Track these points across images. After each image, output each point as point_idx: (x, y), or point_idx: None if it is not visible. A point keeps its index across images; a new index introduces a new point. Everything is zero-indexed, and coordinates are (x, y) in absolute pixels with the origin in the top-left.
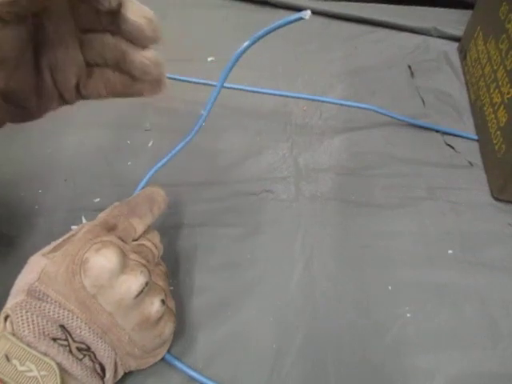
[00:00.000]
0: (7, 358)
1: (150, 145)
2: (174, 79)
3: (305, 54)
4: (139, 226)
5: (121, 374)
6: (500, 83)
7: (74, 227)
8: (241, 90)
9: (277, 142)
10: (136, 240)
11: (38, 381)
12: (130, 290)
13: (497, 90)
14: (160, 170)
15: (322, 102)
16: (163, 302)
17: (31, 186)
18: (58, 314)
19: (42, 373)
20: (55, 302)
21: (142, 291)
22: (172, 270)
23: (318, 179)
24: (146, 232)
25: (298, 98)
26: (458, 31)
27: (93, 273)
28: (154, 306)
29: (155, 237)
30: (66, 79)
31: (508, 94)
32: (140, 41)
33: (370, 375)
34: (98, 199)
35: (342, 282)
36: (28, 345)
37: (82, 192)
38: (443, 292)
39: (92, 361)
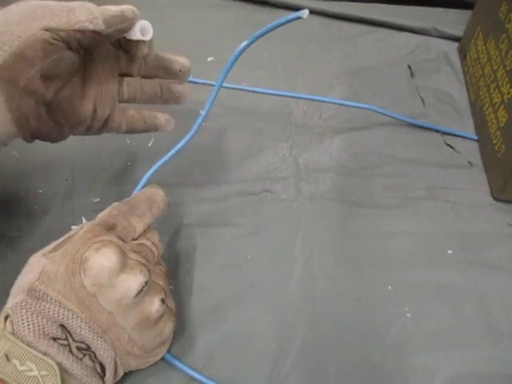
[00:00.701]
0: (7, 358)
1: (149, 145)
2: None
3: (305, 54)
4: (139, 226)
5: (121, 373)
6: (500, 83)
7: (74, 227)
8: (241, 90)
9: (277, 142)
10: (136, 239)
11: (38, 380)
12: (129, 289)
13: (497, 90)
14: (160, 169)
15: (322, 101)
16: (163, 301)
17: (31, 186)
18: (58, 313)
19: (42, 372)
20: (55, 301)
21: (141, 290)
22: (172, 269)
23: (317, 179)
24: (145, 231)
25: (298, 97)
26: (458, 31)
27: (92, 272)
28: (154, 305)
29: (155, 236)
30: (104, 110)
31: (508, 93)
32: (185, 77)
33: (370, 375)
34: (98, 199)
35: (342, 282)
36: (28, 344)
37: (82, 192)
38: (443, 292)
39: (92, 360)
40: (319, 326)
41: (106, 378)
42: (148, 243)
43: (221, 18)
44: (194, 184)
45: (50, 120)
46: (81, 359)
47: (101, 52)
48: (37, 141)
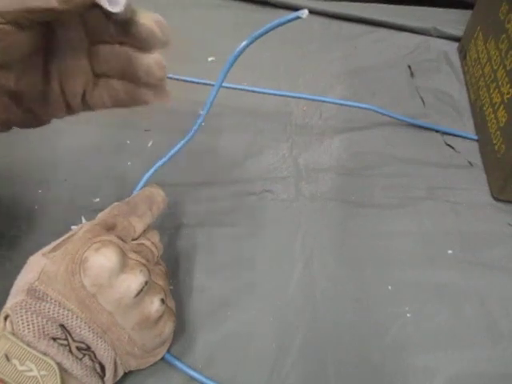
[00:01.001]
0: (7, 358)
1: (149, 145)
2: (174, 79)
3: (305, 53)
4: (139, 226)
5: (121, 373)
6: (500, 83)
7: (73, 227)
8: (241, 89)
9: (277, 142)
10: (135, 239)
11: (37, 380)
12: (129, 289)
13: (497, 90)
14: (160, 169)
15: (322, 101)
16: (163, 301)
17: (31, 186)
18: (58, 313)
19: (42, 372)
20: (55, 301)
21: (141, 290)
22: (172, 269)
23: (318, 179)
24: (145, 231)
25: (299, 97)
26: (458, 31)
27: (92, 272)
28: (154, 305)
29: (155, 236)
30: (74, 87)
31: (508, 93)
32: (150, 45)
33: (370, 375)
34: (98, 199)
35: (342, 282)
36: (28, 344)
37: (82, 192)
38: (443, 292)
39: (92, 360)
40: (319, 325)
41: (105, 378)
42: (148, 243)
43: (221, 17)
44: (193, 184)
45: (17, 108)
46: (81, 359)
47: (64, 22)
48: (37, 141)
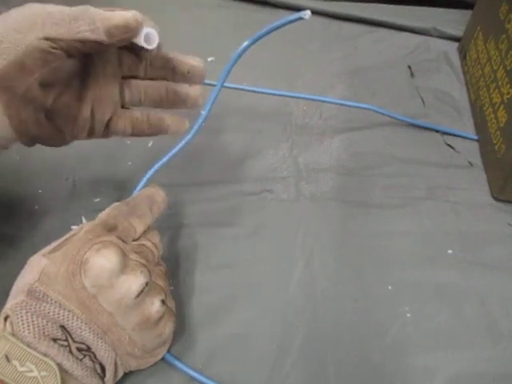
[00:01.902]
0: (7, 359)
1: (149, 145)
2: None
3: (305, 54)
4: (139, 226)
5: (121, 374)
6: (500, 83)
7: (74, 227)
8: (241, 89)
9: (277, 142)
10: (136, 240)
11: (38, 381)
12: (130, 289)
13: (496, 90)
14: (160, 169)
15: (322, 101)
16: (163, 302)
17: (31, 186)
18: (58, 314)
19: (43, 373)
20: (55, 302)
21: (142, 291)
22: (172, 269)
23: (318, 179)
24: (145, 232)
25: (298, 97)
26: (458, 31)
27: (93, 273)
28: (154, 306)
29: (155, 237)
30: (103, 114)
31: (508, 94)
32: (196, 79)
33: (370, 375)
34: (98, 199)
35: (342, 282)
36: (28, 345)
37: (82, 192)
38: (443, 292)
39: (92, 361)
40: (319, 325)
41: (106, 379)
42: (148, 244)
43: (221, 17)
44: (193, 184)
45: (49, 126)
46: (81, 360)
47: (102, 55)
48: None
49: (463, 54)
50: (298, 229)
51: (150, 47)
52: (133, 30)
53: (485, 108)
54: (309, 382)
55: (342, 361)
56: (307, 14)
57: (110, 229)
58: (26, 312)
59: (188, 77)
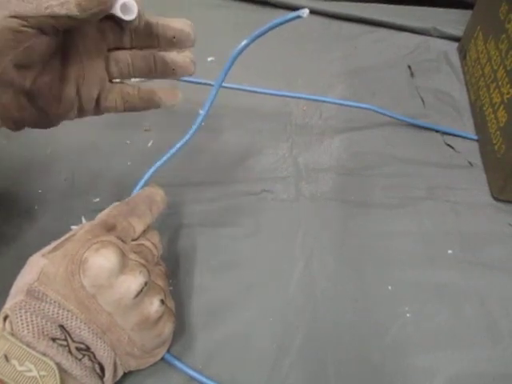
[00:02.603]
0: (6, 358)
1: (149, 145)
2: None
3: (305, 53)
4: (138, 226)
5: (120, 373)
6: (500, 83)
7: (73, 227)
8: (241, 90)
9: (277, 142)
10: (135, 240)
11: (37, 381)
12: (129, 289)
13: (497, 90)
14: (160, 169)
15: (322, 101)
16: (162, 301)
17: (31, 186)
18: (58, 314)
19: (42, 373)
20: (54, 302)
21: (141, 291)
22: (172, 269)
23: (318, 179)
24: (145, 232)
25: (298, 97)
26: (458, 31)
27: (92, 272)
28: (154, 306)
29: (155, 236)
30: (90, 92)
31: (508, 94)
32: (183, 44)
33: (370, 375)
34: (98, 199)
35: (342, 282)
36: (27, 345)
37: (82, 192)
38: (443, 292)
39: (91, 361)
40: (319, 325)
41: (105, 379)
42: (148, 244)
43: (221, 17)
44: (193, 184)
45: (32, 108)
46: (80, 359)
47: (81, 29)
48: (37, 141)
49: (463, 54)
50: (297, 229)
51: (128, 18)
52: (106, 2)
53: (485, 108)
54: (309, 381)
55: (342, 361)
56: (305, 12)
57: (110, 229)
58: (25, 312)
59: (174, 42)
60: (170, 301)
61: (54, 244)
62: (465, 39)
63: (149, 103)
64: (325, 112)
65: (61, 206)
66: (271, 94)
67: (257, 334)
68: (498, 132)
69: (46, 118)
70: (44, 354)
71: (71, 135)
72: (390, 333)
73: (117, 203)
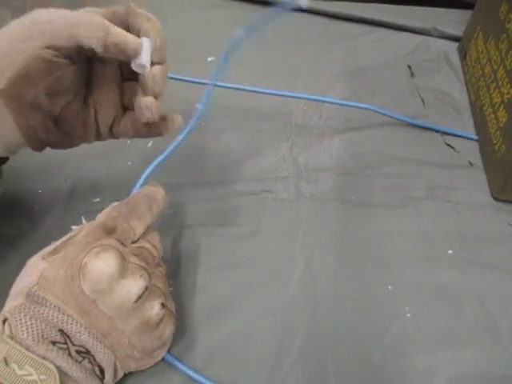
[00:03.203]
0: (6, 362)
1: (149, 145)
2: (174, 79)
3: (305, 53)
4: (138, 228)
5: (120, 375)
6: (500, 83)
7: (74, 227)
8: (241, 89)
9: (277, 142)
10: (135, 242)
11: None
12: (130, 294)
13: (497, 90)
14: (160, 169)
15: (322, 102)
16: (163, 305)
17: (31, 186)
18: (57, 318)
19: (42, 377)
20: (54, 306)
21: (142, 295)
22: (172, 270)
23: (318, 179)
24: (145, 233)
25: (298, 98)
26: (458, 31)
27: (92, 277)
28: (154, 309)
29: (155, 238)
30: (106, 117)
31: (508, 94)
32: (147, 90)
33: (370, 375)
34: (98, 199)
35: (342, 282)
36: (27, 348)
37: (82, 192)
38: (443, 292)
39: (91, 363)
40: (319, 325)
41: (105, 381)
42: (148, 245)
43: (221, 17)
44: (193, 184)
45: (58, 132)
46: (80, 362)
47: (102, 60)
48: None
49: (463, 54)
50: (298, 229)
51: (140, 72)
52: (128, 56)
53: (485, 108)
54: (309, 381)
55: (342, 361)
56: (305, 2)
57: (109, 231)
58: (25, 315)
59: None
60: (171, 302)
61: (53, 245)
62: (465, 39)
63: (152, 133)
64: (325, 112)
65: (61, 206)
66: (271, 94)
67: (257, 334)
68: (498, 132)
69: (69, 141)
70: (44, 358)
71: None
72: (390, 333)
73: (116, 203)
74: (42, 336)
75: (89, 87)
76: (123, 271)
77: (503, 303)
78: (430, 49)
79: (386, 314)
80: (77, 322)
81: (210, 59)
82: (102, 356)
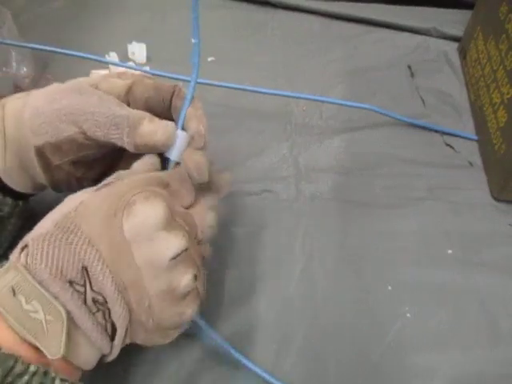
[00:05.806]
0: (13, 292)
1: None
2: (174, 79)
3: (305, 53)
4: (188, 195)
5: (126, 341)
6: (500, 83)
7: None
8: (241, 89)
9: (277, 142)
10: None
11: (41, 325)
12: (167, 249)
13: (496, 90)
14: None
15: (322, 102)
16: (195, 277)
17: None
18: (85, 252)
19: (48, 317)
20: (85, 238)
21: (178, 255)
22: None
23: (318, 179)
24: (198, 209)
25: (298, 98)
26: (458, 31)
27: (136, 217)
28: (185, 278)
29: (209, 218)
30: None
31: (508, 94)
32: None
33: (370, 375)
34: None
35: (342, 282)
36: (40, 282)
37: None
38: (443, 292)
39: (105, 319)
40: (319, 325)
41: (114, 343)
42: (195, 216)
43: (221, 17)
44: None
45: (79, 186)
46: (94, 314)
47: None
48: None
49: (463, 54)
50: (297, 229)
51: (173, 158)
52: (159, 150)
53: (485, 108)
54: (309, 381)
55: (342, 360)
56: None
57: (163, 186)
58: (48, 244)
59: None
60: (203, 285)
61: (100, 185)
62: (465, 39)
63: None
64: (325, 112)
65: None
66: (271, 94)
67: (257, 334)
68: (498, 132)
69: (81, 187)
70: (56, 298)
71: None
72: (390, 333)
73: (178, 167)
74: (61, 271)
75: (117, 157)
76: (167, 224)
77: (503, 303)
78: (429, 49)
79: (385, 314)
80: (104, 262)
81: (209, 59)
82: (119, 310)
